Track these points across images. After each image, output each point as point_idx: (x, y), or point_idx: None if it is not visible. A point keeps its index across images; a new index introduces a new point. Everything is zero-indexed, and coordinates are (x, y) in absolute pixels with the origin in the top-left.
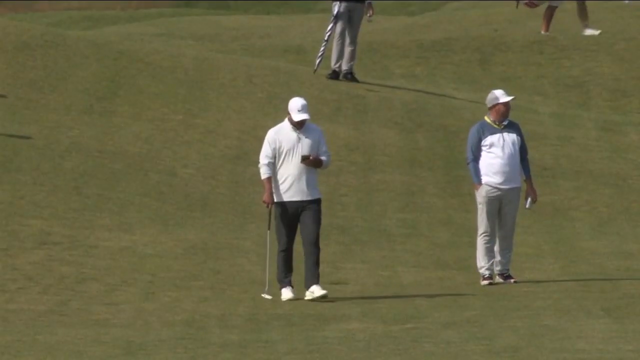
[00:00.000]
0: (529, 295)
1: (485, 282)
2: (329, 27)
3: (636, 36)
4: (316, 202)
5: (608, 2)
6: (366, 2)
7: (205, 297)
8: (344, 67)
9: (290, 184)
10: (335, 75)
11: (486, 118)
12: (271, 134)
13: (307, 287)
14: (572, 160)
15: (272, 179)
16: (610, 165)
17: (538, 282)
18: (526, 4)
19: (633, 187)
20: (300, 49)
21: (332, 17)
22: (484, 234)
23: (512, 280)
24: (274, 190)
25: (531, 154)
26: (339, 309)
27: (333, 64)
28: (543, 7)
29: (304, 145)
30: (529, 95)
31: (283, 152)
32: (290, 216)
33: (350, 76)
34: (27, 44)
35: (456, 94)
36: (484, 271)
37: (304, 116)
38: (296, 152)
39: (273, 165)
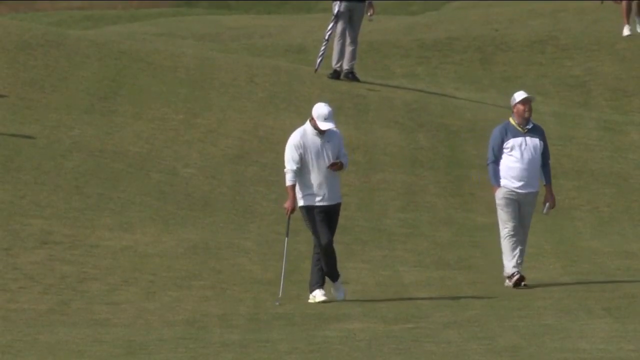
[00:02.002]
0: (530, 294)
1: (509, 282)
2: (329, 27)
3: (638, 36)
4: (339, 206)
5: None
6: (367, 1)
7: (206, 297)
8: (345, 66)
9: (320, 189)
10: (336, 74)
11: (511, 120)
12: (297, 139)
13: (312, 290)
14: (574, 160)
15: (297, 183)
16: (612, 165)
17: (539, 281)
18: None
19: (634, 186)
20: (301, 49)
21: (333, 17)
22: (508, 235)
23: (522, 284)
24: (301, 195)
25: None
26: (340, 308)
27: (334, 64)
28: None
29: (329, 150)
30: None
31: (309, 157)
32: (322, 218)
33: (351, 76)
34: (28, 43)
35: (457, 94)
36: (511, 270)
37: (331, 125)
38: (321, 156)
39: (299, 172)
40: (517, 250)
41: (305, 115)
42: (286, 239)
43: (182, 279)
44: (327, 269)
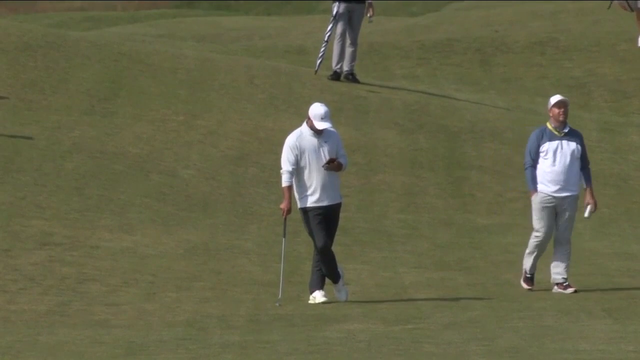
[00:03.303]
0: (530, 296)
1: (526, 285)
2: (328, 28)
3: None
4: (339, 207)
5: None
6: (366, 2)
7: (206, 298)
8: (345, 67)
9: (318, 190)
10: (336, 76)
11: (548, 124)
12: (292, 140)
13: (312, 291)
14: None
15: (295, 185)
16: (612, 166)
17: (539, 282)
18: (620, 4)
19: (634, 188)
20: (301, 50)
21: (332, 18)
22: (537, 235)
23: (571, 290)
24: (299, 197)
25: None
26: (340, 309)
27: (334, 65)
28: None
29: (325, 151)
30: (530, 96)
31: (306, 158)
32: (321, 220)
33: (351, 77)
34: (29, 44)
35: (457, 95)
36: (527, 272)
37: (327, 125)
38: (318, 157)
39: (295, 173)
40: (534, 259)
41: (304, 116)
42: (283, 239)
43: (182, 280)
44: (325, 272)
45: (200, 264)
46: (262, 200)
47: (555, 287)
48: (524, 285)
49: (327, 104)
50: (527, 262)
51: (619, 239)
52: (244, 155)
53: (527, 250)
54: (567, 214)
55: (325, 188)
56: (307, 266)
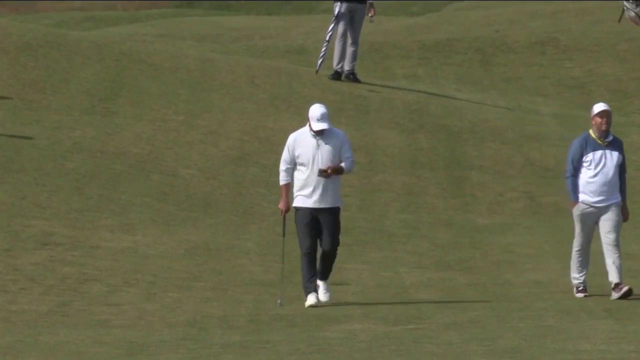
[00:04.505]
0: (530, 296)
1: (580, 294)
2: (330, 28)
3: (638, 37)
4: (333, 211)
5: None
6: (367, 2)
7: (207, 298)
8: (346, 67)
9: (309, 191)
10: (337, 75)
11: (590, 132)
12: (290, 140)
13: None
14: None
15: (291, 184)
16: None
17: (539, 282)
18: (632, 19)
19: (635, 188)
20: (302, 50)
21: (333, 18)
22: (578, 250)
23: (625, 288)
24: (294, 196)
25: (533, 155)
26: (340, 309)
27: (335, 65)
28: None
29: (323, 152)
30: (531, 96)
31: (301, 159)
32: (309, 221)
33: (352, 77)
34: (29, 44)
35: (458, 95)
36: (577, 283)
37: (323, 126)
38: (315, 158)
39: (291, 172)
40: (586, 265)
41: (305, 116)
42: (282, 239)
43: (183, 280)
44: (302, 278)
45: (201, 264)
46: (263, 200)
47: (613, 292)
48: (579, 295)
49: (327, 105)
50: (574, 272)
51: (619, 239)
52: (245, 155)
53: (572, 262)
54: (610, 219)
55: (318, 190)
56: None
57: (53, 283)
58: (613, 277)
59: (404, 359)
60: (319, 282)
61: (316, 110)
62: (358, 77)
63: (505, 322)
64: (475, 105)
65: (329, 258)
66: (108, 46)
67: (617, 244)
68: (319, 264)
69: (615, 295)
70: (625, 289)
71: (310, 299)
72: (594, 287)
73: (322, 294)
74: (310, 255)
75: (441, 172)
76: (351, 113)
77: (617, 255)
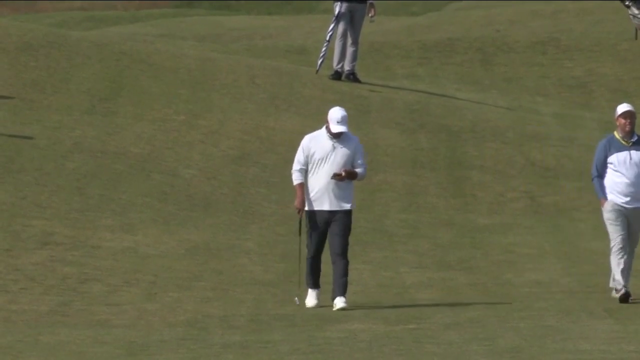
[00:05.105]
0: (531, 296)
1: (619, 294)
2: (330, 28)
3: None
4: (345, 213)
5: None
6: (368, 2)
7: (207, 298)
8: (347, 67)
9: (320, 193)
10: (337, 75)
11: (615, 133)
12: (305, 141)
13: (333, 299)
14: (575, 161)
15: (304, 185)
16: None
17: (540, 282)
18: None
19: None
20: (302, 50)
21: (334, 18)
22: (617, 249)
23: (629, 300)
24: (306, 197)
25: (533, 155)
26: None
27: (335, 65)
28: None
29: (338, 155)
30: (531, 96)
31: (316, 160)
32: (319, 225)
33: (352, 77)
34: (30, 44)
35: (458, 95)
36: (619, 285)
37: (343, 128)
38: (329, 161)
39: (305, 172)
40: (624, 264)
41: (305, 116)
42: (298, 238)
43: (183, 280)
44: (305, 275)
45: (202, 263)
46: (263, 200)
47: (614, 291)
48: (617, 296)
49: (327, 105)
50: (616, 274)
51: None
52: (245, 154)
53: (611, 262)
54: (636, 224)
55: (329, 192)
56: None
57: (53, 283)
58: (621, 279)
59: (405, 359)
60: (338, 300)
61: (337, 112)
62: (358, 77)
63: (506, 322)
64: (475, 105)
65: (343, 266)
66: (108, 46)
67: (634, 252)
68: (335, 276)
69: (614, 294)
70: (623, 292)
71: (311, 301)
72: (594, 287)
73: (339, 302)
74: (316, 259)
75: (442, 172)
76: (351, 113)
77: (630, 262)
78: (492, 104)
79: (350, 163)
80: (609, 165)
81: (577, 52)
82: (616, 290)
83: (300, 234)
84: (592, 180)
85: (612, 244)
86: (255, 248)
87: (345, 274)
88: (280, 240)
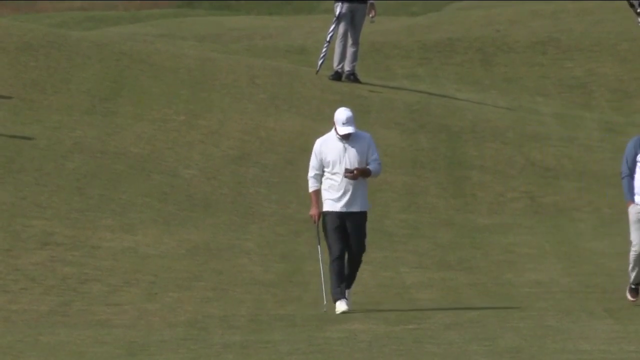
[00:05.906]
0: (531, 296)
1: (630, 297)
2: (330, 28)
3: (639, 37)
4: (361, 215)
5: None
6: (368, 2)
7: (207, 298)
8: (347, 67)
9: (337, 195)
10: (337, 76)
11: None
12: (317, 145)
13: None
14: (575, 161)
15: (320, 190)
16: (613, 166)
17: (540, 282)
18: None
19: None
20: (302, 50)
21: (334, 18)
22: (633, 247)
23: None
24: (323, 200)
25: (533, 155)
26: None
27: (335, 65)
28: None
29: (350, 155)
30: (532, 96)
31: (329, 163)
32: (337, 226)
33: (352, 77)
34: (30, 44)
35: (458, 95)
36: (631, 284)
37: (349, 129)
38: (342, 162)
39: (320, 177)
40: (637, 271)
41: (305, 116)
42: (318, 247)
43: (183, 280)
44: (331, 284)
45: (202, 263)
46: (263, 200)
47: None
48: (629, 297)
49: (328, 105)
50: (632, 275)
51: (620, 239)
52: (245, 155)
53: (630, 266)
54: None
55: (346, 194)
56: (309, 266)
57: (53, 283)
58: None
59: (405, 359)
60: (339, 303)
61: (341, 114)
62: (358, 77)
63: (506, 322)
64: (475, 105)
65: (356, 264)
66: (109, 46)
67: None
68: (347, 270)
69: (629, 296)
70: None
71: (341, 306)
72: (594, 287)
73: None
74: (340, 260)
75: (442, 172)
76: None
77: None
78: (492, 104)
79: (364, 162)
80: (638, 163)
81: (577, 52)
82: (629, 291)
83: (319, 243)
84: (622, 179)
85: (631, 250)
86: (255, 248)
87: (356, 269)
88: (280, 240)
